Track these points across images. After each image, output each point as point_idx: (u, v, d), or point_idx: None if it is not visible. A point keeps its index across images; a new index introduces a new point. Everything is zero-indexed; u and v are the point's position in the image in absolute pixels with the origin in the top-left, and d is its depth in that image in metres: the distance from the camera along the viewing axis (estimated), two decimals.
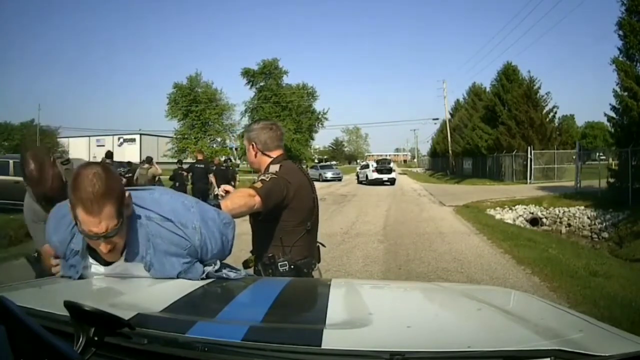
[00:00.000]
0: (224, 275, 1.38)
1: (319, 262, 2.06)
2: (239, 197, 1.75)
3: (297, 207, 1.89)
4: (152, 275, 1.30)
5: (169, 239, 1.27)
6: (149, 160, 12.12)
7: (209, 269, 1.37)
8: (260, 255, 1.91)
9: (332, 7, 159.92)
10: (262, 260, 1.88)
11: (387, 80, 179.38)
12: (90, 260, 1.31)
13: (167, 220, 1.28)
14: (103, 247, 1.18)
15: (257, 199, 1.73)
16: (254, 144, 2.03)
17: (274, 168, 1.91)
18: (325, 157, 71.20)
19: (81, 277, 1.34)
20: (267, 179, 1.81)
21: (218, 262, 1.41)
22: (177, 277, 1.29)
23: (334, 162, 39.95)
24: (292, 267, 1.83)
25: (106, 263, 1.30)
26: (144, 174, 11.21)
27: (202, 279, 1.35)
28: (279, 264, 1.82)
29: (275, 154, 2.01)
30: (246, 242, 2.08)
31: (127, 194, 1.21)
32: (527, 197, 15.25)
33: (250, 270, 1.94)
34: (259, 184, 1.79)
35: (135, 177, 10.75)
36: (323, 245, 2.12)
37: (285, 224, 1.88)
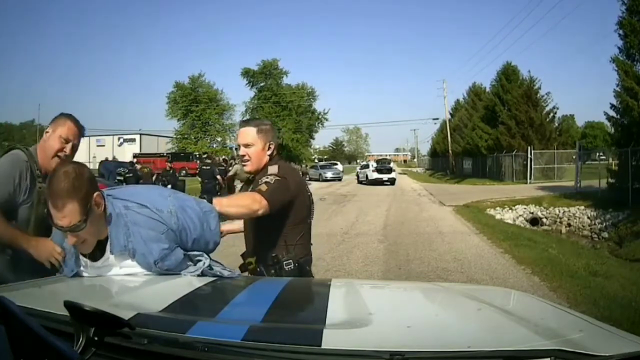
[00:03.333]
0: (218, 273, 1.43)
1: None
2: (241, 198, 1.73)
3: (299, 205, 1.90)
4: (137, 261, 1.34)
5: (146, 224, 1.34)
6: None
7: (200, 265, 1.42)
8: (263, 256, 1.86)
9: (332, 7, 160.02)
10: (265, 261, 1.83)
11: (387, 80, 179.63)
12: (82, 257, 1.36)
13: (144, 206, 1.35)
14: (70, 240, 1.26)
15: (264, 202, 1.68)
16: (272, 144, 1.95)
17: (273, 169, 1.87)
18: (326, 156, 71.30)
19: (76, 275, 1.37)
20: (272, 181, 1.77)
21: (208, 257, 1.46)
22: (156, 265, 1.34)
23: (337, 163, 40.01)
24: (296, 265, 1.82)
25: (97, 258, 1.35)
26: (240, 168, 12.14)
27: (199, 275, 1.39)
28: (284, 263, 1.80)
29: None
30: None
31: (96, 194, 1.26)
32: (527, 197, 15.24)
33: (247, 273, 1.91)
34: (264, 187, 1.74)
35: (234, 173, 11.58)
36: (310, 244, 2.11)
37: (289, 222, 1.88)
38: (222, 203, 1.63)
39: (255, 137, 1.92)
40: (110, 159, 20.85)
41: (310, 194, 2.08)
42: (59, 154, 1.82)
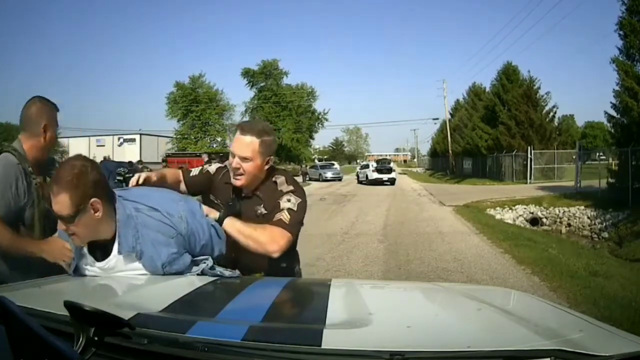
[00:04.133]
0: (219, 273, 1.43)
1: None
2: (260, 233, 1.52)
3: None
4: (143, 264, 1.34)
5: (156, 227, 1.34)
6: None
7: (203, 266, 1.43)
8: (272, 268, 1.66)
9: (332, 6, 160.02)
10: (275, 272, 1.65)
11: (387, 80, 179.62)
12: (88, 255, 1.36)
13: (155, 210, 1.35)
14: (59, 225, 1.27)
15: (283, 243, 1.51)
16: (272, 158, 1.70)
17: (282, 181, 1.67)
18: (326, 156, 71.36)
19: (79, 272, 1.38)
20: (295, 208, 1.59)
21: (211, 259, 1.46)
22: (163, 268, 1.34)
23: (334, 163, 39.93)
24: (300, 268, 1.81)
25: (102, 257, 1.35)
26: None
27: (198, 274, 1.40)
28: (295, 271, 1.76)
29: (268, 164, 1.71)
30: None
31: (94, 199, 1.25)
32: (527, 197, 15.24)
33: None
34: (286, 216, 1.55)
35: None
36: None
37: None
38: (235, 226, 1.51)
39: (257, 151, 1.63)
40: (109, 159, 20.78)
41: None
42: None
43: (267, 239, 1.51)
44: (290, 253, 1.71)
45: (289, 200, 1.61)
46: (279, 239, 1.52)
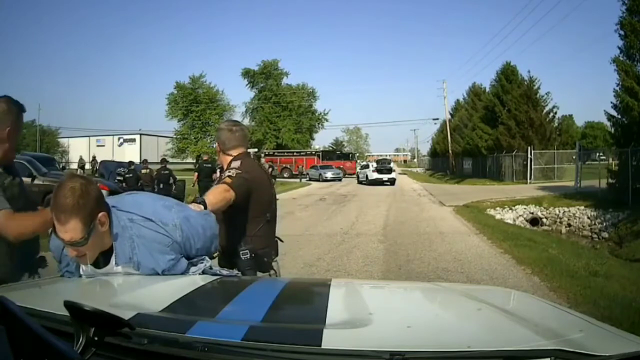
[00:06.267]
0: (218, 272, 1.46)
1: (276, 255, 2.17)
2: (219, 193, 1.85)
3: (257, 198, 2.03)
4: (142, 273, 1.34)
5: (152, 237, 1.34)
6: None
7: (201, 266, 1.44)
8: (223, 246, 1.92)
9: (332, 7, 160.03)
10: (225, 250, 1.96)
11: (387, 80, 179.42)
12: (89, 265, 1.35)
13: (149, 220, 1.35)
14: (69, 252, 1.26)
15: (232, 193, 1.85)
16: (217, 143, 2.25)
17: (236, 164, 2.04)
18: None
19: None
20: (233, 175, 1.95)
21: (209, 260, 1.49)
22: (163, 274, 1.35)
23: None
24: (252, 255, 1.94)
25: (100, 267, 1.34)
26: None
27: (199, 275, 1.42)
28: (241, 252, 1.93)
29: (235, 152, 2.15)
30: None
31: (101, 214, 1.25)
32: (527, 197, 15.24)
33: (215, 262, 1.92)
34: (228, 179, 1.92)
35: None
36: (281, 240, 2.25)
37: (247, 215, 2.02)
38: (210, 202, 1.72)
39: (218, 138, 2.25)
40: (110, 159, 20.77)
41: (274, 191, 2.28)
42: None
43: (224, 193, 1.83)
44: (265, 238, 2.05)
45: (229, 171, 1.98)
46: (228, 189, 1.85)
